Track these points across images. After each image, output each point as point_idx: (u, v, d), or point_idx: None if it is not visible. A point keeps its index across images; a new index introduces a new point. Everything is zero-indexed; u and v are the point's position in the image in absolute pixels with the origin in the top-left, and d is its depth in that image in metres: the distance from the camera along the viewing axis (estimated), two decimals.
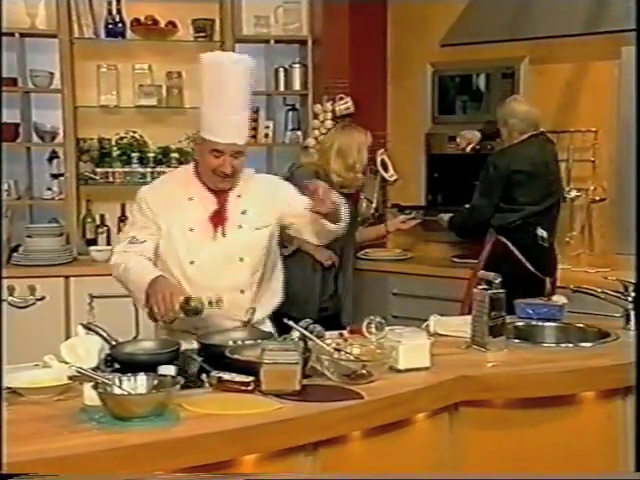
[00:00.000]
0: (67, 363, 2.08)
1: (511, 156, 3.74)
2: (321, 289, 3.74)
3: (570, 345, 2.61)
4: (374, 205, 4.62)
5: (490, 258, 3.64)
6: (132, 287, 2.53)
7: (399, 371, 2.21)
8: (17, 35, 4.40)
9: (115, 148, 4.64)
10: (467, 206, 3.89)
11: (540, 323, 2.81)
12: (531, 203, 3.68)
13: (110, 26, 4.54)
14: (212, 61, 2.54)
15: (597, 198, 4.10)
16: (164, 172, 4.57)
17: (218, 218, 2.60)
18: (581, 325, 2.79)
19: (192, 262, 2.57)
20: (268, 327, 2.67)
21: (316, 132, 4.48)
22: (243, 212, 2.63)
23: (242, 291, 2.62)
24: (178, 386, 1.89)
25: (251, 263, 2.62)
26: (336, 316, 3.75)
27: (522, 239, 3.64)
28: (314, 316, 3.64)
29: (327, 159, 3.77)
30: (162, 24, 4.61)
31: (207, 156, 2.56)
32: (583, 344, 2.60)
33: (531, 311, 2.84)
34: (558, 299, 2.90)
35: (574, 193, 4.13)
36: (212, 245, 2.59)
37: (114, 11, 4.54)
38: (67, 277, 4.26)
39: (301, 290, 3.64)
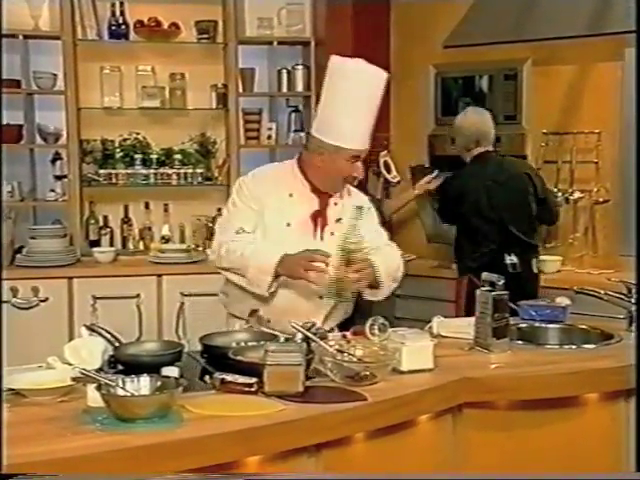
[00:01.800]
0: (70, 364, 2.08)
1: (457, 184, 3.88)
2: None
3: (573, 347, 2.61)
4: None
5: (468, 298, 3.47)
6: (253, 271, 2.55)
7: (402, 373, 2.21)
8: (21, 37, 4.41)
9: (118, 150, 4.65)
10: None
11: (543, 325, 2.81)
12: (487, 239, 3.72)
13: (113, 28, 4.55)
14: (355, 69, 2.57)
15: (600, 199, 4.10)
16: (167, 174, 4.61)
17: (319, 219, 2.65)
18: (584, 327, 2.79)
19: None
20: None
21: None
22: (338, 220, 2.66)
23: (321, 297, 2.63)
24: (181, 388, 1.89)
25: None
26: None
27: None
28: None
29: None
30: (165, 26, 4.62)
31: (341, 162, 2.58)
32: (586, 346, 2.59)
33: (534, 313, 2.83)
34: (561, 301, 2.90)
35: (577, 195, 4.14)
36: (308, 244, 2.59)
37: (117, 13, 4.55)
38: (70, 278, 4.26)
39: None
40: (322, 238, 2.64)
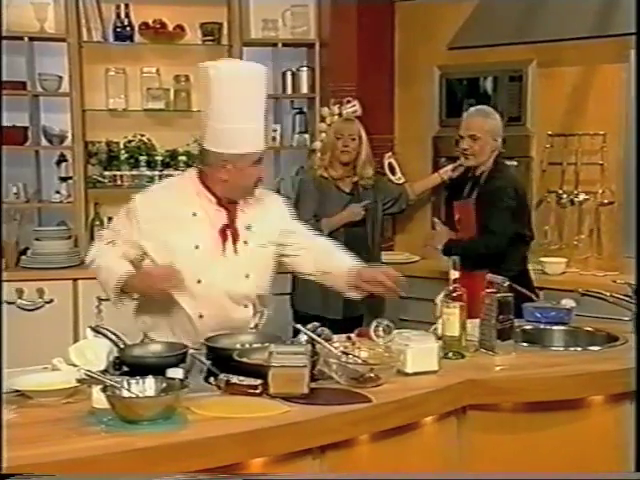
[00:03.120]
0: (76, 366, 2.08)
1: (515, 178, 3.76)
2: None
3: (578, 349, 2.60)
4: None
5: None
6: (105, 283, 2.49)
7: (407, 374, 2.21)
8: (26, 39, 4.41)
9: (123, 151, 4.65)
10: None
11: (548, 327, 2.81)
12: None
13: (118, 30, 4.55)
14: (229, 71, 2.44)
15: (605, 201, 4.09)
16: (172, 175, 4.60)
17: (227, 233, 2.52)
18: (589, 329, 2.79)
19: (199, 281, 2.48)
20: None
21: (323, 135, 4.48)
22: (248, 227, 2.55)
23: (246, 306, 2.58)
24: (186, 389, 1.90)
25: (256, 280, 2.56)
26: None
27: None
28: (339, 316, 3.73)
29: (330, 157, 3.87)
30: (170, 28, 4.62)
31: (247, 169, 2.45)
32: (591, 348, 2.59)
33: (539, 315, 2.83)
34: (566, 303, 2.89)
35: (582, 196, 4.12)
36: (220, 262, 2.50)
37: (122, 15, 4.55)
38: (75, 280, 4.26)
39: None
40: (236, 251, 2.51)
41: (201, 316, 2.51)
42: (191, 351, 2.21)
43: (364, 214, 3.95)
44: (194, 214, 2.50)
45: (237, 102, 2.40)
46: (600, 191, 4.10)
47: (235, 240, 2.52)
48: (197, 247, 2.48)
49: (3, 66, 4.45)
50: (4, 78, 4.44)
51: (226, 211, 2.53)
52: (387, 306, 4.13)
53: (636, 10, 3.03)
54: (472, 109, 3.73)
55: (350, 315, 3.83)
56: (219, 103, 2.42)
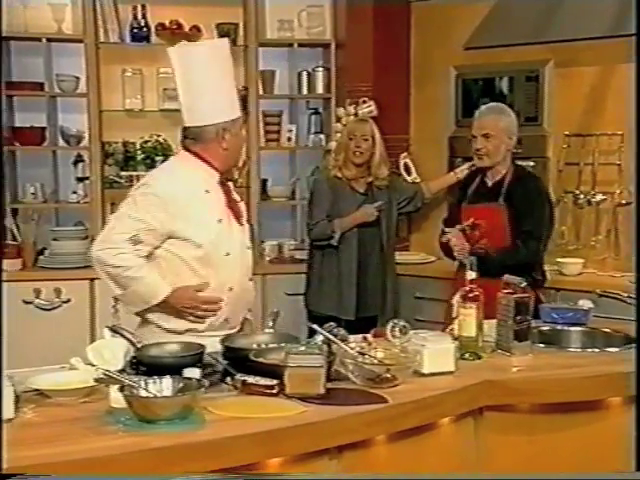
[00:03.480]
0: (93, 365, 2.09)
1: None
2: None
3: (596, 350, 2.59)
4: None
5: None
6: (138, 296, 2.56)
7: (423, 375, 2.21)
8: (44, 40, 4.44)
9: (139, 152, 4.68)
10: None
11: (566, 328, 2.79)
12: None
13: (135, 31, 4.57)
14: (196, 48, 2.67)
15: (623, 202, 4.06)
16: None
17: (235, 207, 2.67)
18: (607, 330, 2.77)
19: (228, 254, 2.59)
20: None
21: (338, 135, 4.48)
22: (240, 201, 2.74)
23: (250, 279, 2.72)
24: (203, 389, 1.90)
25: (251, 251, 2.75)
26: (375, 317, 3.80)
27: None
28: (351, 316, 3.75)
29: (344, 157, 3.87)
30: (186, 28, 4.63)
31: (241, 133, 2.66)
32: (609, 349, 2.57)
33: (556, 315, 2.82)
34: (584, 303, 2.88)
35: (600, 197, 4.10)
36: (236, 234, 2.64)
37: (139, 16, 4.57)
38: (92, 280, 4.28)
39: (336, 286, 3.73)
40: (242, 224, 2.68)
41: (231, 289, 2.61)
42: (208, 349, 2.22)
43: (378, 215, 3.94)
44: (207, 191, 2.59)
45: (220, 73, 2.57)
46: (618, 191, 4.07)
47: (239, 215, 2.67)
48: (220, 221, 2.59)
49: (22, 67, 4.52)
50: (22, 79, 4.49)
51: (222, 187, 2.64)
52: (402, 306, 4.14)
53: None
54: (484, 107, 3.59)
55: (363, 315, 3.84)
56: (206, 79, 2.55)
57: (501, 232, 3.38)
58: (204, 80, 2.54)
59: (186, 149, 2.65)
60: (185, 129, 2.66)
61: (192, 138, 2.62)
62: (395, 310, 3.93)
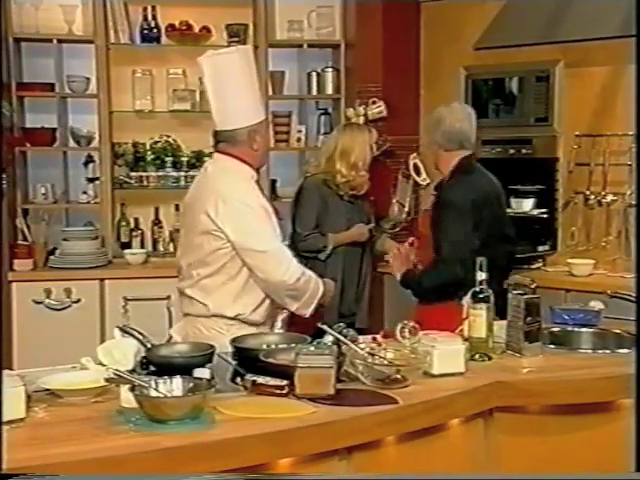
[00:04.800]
0: (104, 365, 2.10)
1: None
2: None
3: (607, 351, 2.58)
4: (406, 209, 4.61)
5: None
6: (311, 294, 2.72)
7: (433, 376, 2.20)
8: (55, 41, 4.46)
9: (149, 152, 4.69)
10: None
11: (576, 329, 2.78)
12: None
13: (145, 32, 4.59)
14: (222, 57, 2.69)
15: (634, 202, 4.04)
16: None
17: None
18: (618, 331, 2.76)
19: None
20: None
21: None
22: None
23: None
24: (213, 389, 1.91)
25: None
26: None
27: None
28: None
29: (333, 162, 3.79)
30: (196, 29, 4.65)
31: (268, 131, 2.91)
32: (620, 350, 2.56)
33: (567, 317, 2.81)
34: (594, 304, 2.87)
35: (610, 197, 4.09)
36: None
37: (149, 17, 4.59)
38: (102, 280, 4.31)
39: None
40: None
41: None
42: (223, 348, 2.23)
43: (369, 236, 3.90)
44: (261, 190, 2.79)
45: (248, 78, 2.69)
46: (628, 192, 4.05)
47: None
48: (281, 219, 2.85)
49: (33, 68, 4.54)
50: (33, 80, 4.52)
51: None
52: (408, 309, 4.12)
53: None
54: None
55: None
56: (237, 84, 2.65)
57: (428, 247, 3.05)
58: (235, 86, 2.65)
59: (220, 152, 2.74)
60: (217, 133, 2.73)
61: (225, 141, 2.71)
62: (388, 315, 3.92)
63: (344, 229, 3.82)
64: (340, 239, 3.81)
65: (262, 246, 2.61)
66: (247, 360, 2.20)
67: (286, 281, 2.63)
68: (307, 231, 3.76)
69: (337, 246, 3.78)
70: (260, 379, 2.04)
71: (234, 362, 2.24)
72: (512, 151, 4.34)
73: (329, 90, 4.80)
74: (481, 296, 2.39)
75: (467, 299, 2.44)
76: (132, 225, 4.71)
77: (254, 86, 2.73)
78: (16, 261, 4.30)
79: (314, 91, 4.81)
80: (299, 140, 4.80)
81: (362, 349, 2.21)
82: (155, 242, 4.73)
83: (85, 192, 4.61)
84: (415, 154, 4.58)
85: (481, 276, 2.41)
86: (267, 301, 2.72)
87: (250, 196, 2.65)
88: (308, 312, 2.71)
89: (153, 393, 1.89)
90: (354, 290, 3.86)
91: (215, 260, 2.64)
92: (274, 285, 2.64)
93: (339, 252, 3.80)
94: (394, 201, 4.56)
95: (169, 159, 4.65)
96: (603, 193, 4.10)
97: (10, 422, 1.77)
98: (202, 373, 2.04)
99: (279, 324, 2.71)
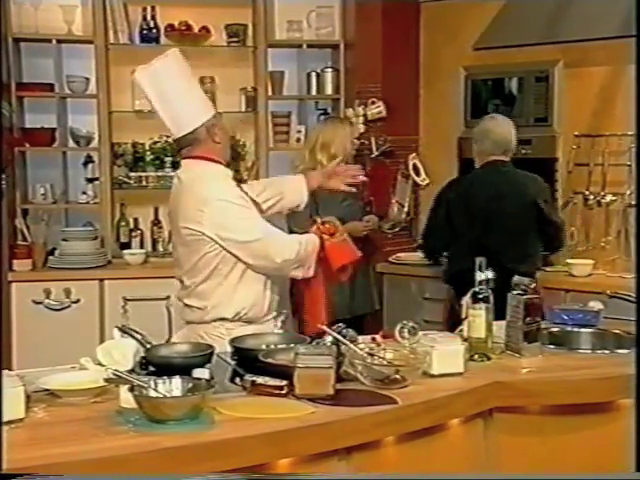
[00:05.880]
0: (103, 366, 2.10)
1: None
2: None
3: (606, 351, 2.58)
4: (406, 209, 4.62)
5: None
6: (312, 253, 2.70)
7: (433, 376, 2.20)
8: (54, 41, 4.46)
9: (149, 152, 4.69)
10: None
11: (576, 329, 2.78)
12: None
13: (145, 32, 4.59)
14: (150, 72, 2.70)
15: (633, 202, 4.05)
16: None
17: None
18: (617, 331, 2.76)
19: None
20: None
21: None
22: None
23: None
24: (212, 389, 1.91)
25: None
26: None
27: None
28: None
29: (314, 155, 3.85)
30: (195, 29, 4.64)
31: (225, 125, 2.86)
32: (619, 351, 2.56)
33: (566, 317, 2.81)
34: (594, 305, 2.87)
35: (610, 197, 4.09)
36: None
37: (148, 17, 4.58)
38: (102, 280, 4.31)
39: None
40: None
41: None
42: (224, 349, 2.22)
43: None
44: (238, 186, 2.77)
45: (186, 79, 2.73)
46: (628, 192, 4.06)
47: None
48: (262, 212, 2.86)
49: (32, 68, 4.53)
50: (33, 80, 4.51)
51: None
52: (410, 307, 4.13)
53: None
54: None
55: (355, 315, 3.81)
56: (179, 88, 2.68)
57: None
58: (177, 89, 2.67)
59: (186, 157, 2.74)
60: (178, 141, 2.73)
61: (188, 145, 2.70)
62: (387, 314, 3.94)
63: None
64: None
65: (254, 235, 2.61)
66: (246, 360, 2.20)
67: (288, 258, 2.63)
68: (303, 229, 3.76)
69: None
70: (259, 379, 2.04)
71: (233, 362, 2.24)
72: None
73: (328, 90, 4.80)
74: (480, 296, 2.39)
75: (466, 299, 2.44)
76: (131, 225, 4.71)
77: (195, 84, 2.79)
78: (15, 261, 4.30)
79: (313, 91, 4.81)
80: (299, 140, 4.79)
81: (361, 349, 2.21)
82: (154, 242, 4.73)
83: (84, 192, 4.61)
84: (414, 154, 4.59)
85: (480, 276, 2.42)
86: (267, 293, 2.70)
87: (229, 193, 2.64)
88: (310, 272, 2.69)
89: (152, 393, 1.89)
90: (351, 286, 3.86)
91: (206, 265, 2.63)
92: (279, 266, 2.64)
93: None
94: (393, 201, 4.57)
95: (168, 159, 4.64)
96: (602, 193, 4.10)
97: (10, 422, 1.78)
98: (201, 373, 2.04)
99: (279, 324, 2.71)
